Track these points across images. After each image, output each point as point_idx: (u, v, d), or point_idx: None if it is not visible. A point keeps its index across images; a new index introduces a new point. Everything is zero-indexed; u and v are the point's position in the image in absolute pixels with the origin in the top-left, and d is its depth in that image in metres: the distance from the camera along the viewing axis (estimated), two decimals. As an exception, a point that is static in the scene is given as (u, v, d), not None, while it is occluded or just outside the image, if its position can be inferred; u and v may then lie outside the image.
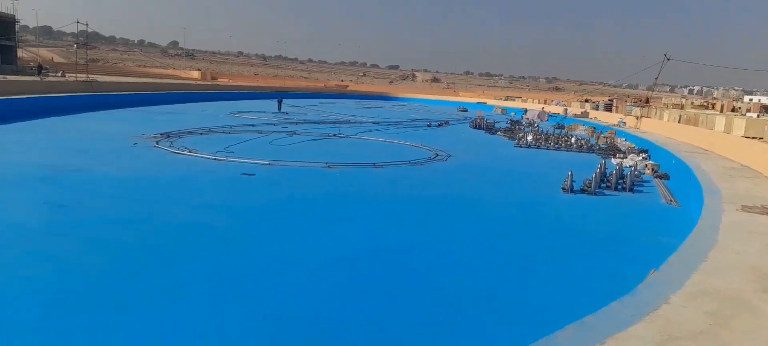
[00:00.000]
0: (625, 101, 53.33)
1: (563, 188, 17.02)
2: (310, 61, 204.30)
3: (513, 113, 60.27)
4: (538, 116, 51.09)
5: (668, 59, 35.31)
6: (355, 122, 39.95)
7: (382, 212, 13.76)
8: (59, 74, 56.37)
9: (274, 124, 34.13)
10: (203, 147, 21.86)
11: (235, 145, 23.34)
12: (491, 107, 71.76)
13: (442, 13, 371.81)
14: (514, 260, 10.43)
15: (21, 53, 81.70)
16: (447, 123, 44.12)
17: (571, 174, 17.06)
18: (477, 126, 41.13)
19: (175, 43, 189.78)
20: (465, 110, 63.30)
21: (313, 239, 11.03)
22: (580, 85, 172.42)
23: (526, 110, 57.98)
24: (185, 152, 20.43)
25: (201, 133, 26.94)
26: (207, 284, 8.28)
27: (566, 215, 14.43)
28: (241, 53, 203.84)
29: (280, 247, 10.46)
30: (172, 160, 19.05)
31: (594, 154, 27.62)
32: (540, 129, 38.84)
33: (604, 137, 33.55)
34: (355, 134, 31.63)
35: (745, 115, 38.97)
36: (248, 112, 42.89)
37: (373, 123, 40.13)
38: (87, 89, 40.75)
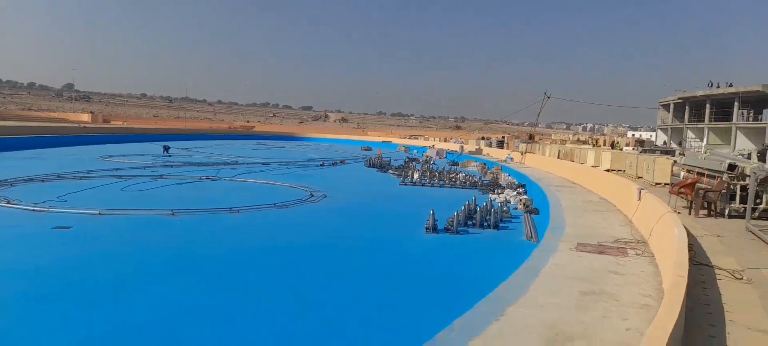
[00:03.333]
0: (516, 138, 55.13)
1: (427, 228, 16.04)
2: (220, 102, 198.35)
3: (415, 152, 60.52)
4: (437, 154, 51.34)
5: (548, 97, 36.73)
6: (242, 163, 37.69)
7: (201, 268, 11.80)
8: None
9: (143, 168, 31.12)
10: (36, 196, 18.90)
11: (75, 193, 20.48)
12: (396, 146, 72.15)
13: (357, 55, 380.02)
14: (331, 310, 8.90)
15: None
16: (342, 162, 43.01)
17: (433, 213, 16.14)
18: (371, 165, 40.30)
19: (70, 86, 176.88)
20: (369, 149, 62.81)
21: (84, 311, 8.92)
22: (486, 123, 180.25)
23: (428, 148, 58.40)
24: (2, 203, 17.40)
25: (43, 181, 23.64)
26: None
27: (415, 256, 13.28)
28: (144, 95, 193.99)
29: (40, 321, 8.25)
30: (-24, 213, 16.00)
31: (477, 191, 27.30)
32: (435, 166, 38.62)
33: (490, 173, 33.70)
34: (235, 176, 29.45)
35: (622, 149, 41.22)
36: (123, 155, 39.36)
37: (263, 163, 38.11)
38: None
